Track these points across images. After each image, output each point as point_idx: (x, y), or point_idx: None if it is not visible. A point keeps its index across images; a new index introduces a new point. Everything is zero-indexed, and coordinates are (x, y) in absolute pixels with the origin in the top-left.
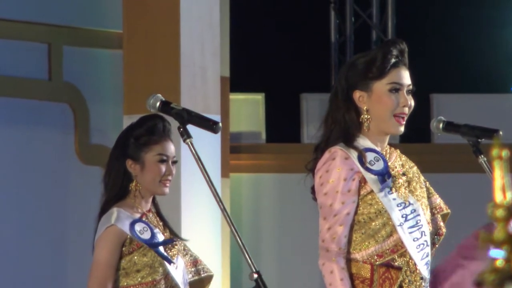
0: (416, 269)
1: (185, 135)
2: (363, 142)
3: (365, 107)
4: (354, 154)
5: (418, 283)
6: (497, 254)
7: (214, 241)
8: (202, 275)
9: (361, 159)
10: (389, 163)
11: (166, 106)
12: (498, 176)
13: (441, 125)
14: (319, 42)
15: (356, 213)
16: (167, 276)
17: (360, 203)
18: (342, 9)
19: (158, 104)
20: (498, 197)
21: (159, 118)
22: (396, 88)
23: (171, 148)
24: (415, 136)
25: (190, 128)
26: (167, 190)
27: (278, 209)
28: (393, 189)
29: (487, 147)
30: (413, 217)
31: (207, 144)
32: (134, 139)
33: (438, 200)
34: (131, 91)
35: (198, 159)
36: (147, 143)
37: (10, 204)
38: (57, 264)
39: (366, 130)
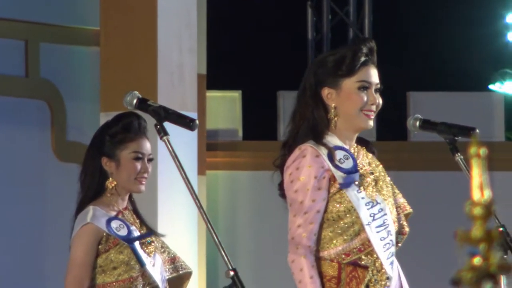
0: (382, 268)
1: (162, 132)
2: (332, 139)
3: (333, 104)
4: (324, 152)
5: (383, 282)
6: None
7: (190, 239)
8: (181, 272)
9: (331, 157)
10: (357, 161)
11: (143, 104)
12: (476, 174)
13: (417, 123)
14: (296, 39)
15: (325, 211)
16: (144, 273)
17: (329, 201)
18: (319, 6)
19: (135, 101)
20: (476, 195)
21: (134, 115)
22: (365, 86)
23: (146, 145)
24: (391, 134)
25: (167, 125)
26: (143, 187)
27: (254, 207)
28: (362, 188)
29: (463, 145)
30: (380, 216)
31: (184, 141)
32: (110, 137)
33: (401, 199)
34: (108, 88)
35: (175, 157)
36: (123, 140)
37: None
38: (34, 261)
39: (334, 128)
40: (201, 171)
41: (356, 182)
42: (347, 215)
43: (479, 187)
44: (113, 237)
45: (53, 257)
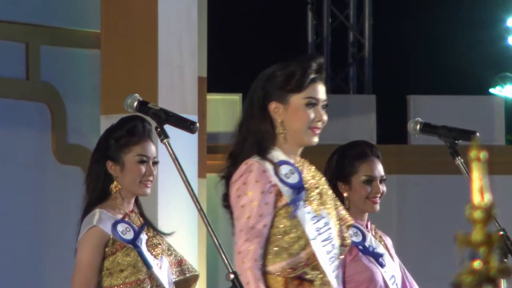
0: (329, 281)
1: (163, 135)
2: (277, 154)
3: (280, 119)
4: (269, 167)
5: None
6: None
7: (190, 241)
8: (188, 275)
9: (277, 172)
10: (302, 175)
11: (143, 106)
12: (477, 177)
13: (418, 127)
14: (296, 42)
15: (271, 226)
16: (151, 275)
17: (275, 215)
18: (319, 10)
19: (135, 104)
20: (476, 198)
21: (139, 119)
22: (312, 103)
23: (151, 148)
24: (392, 137)
25: (168, 128)
26: (148, 190)
27: None
28: (307, 203)
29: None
30: (325, 231)
31: (184, 144)
32: (114, 140)
33: (342, 211)
34: (108, 91)
35: (175, 159)
36: (127, 144)
37: None
38: (35, 263)
39: (280, 142)
40: (201, 173)
41: (303, 198)
42: (293, 230)
43: (479, 190)
44: (119, 240)
45: (53, 259)
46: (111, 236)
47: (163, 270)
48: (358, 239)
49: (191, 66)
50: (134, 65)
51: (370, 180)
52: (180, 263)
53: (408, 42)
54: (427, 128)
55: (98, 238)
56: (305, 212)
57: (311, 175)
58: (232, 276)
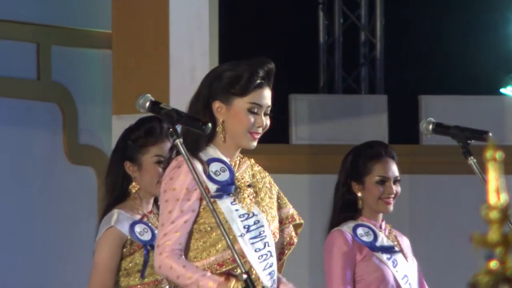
0: (258, 278)
1: (175, 135)
2: (213, 152)
3: (221, 119)
4: (199, 164)
5: None
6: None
7: None
8: None
9: (205, 170)
10: (236, 174)
11: (155, 106)
12: (493, 178)
13: (430, 127)
14: (308, 42)
15: (197, 222)
16: None
17: (202, 212)
18: (330, 10)
19: (147, 104)
20: (492, 199)
21: (156, 119)
22: (254, 109)
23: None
24: (403, 137)
25: (179, 128)
26: None
27: None
28: (237, 200)
29: (476, 148)
30: (255, 228)
31: None
32: (132, 141)
33: (291, 210)
34: (120, 91)
35: (188, 159)
36: (145, 144)
37: None
38: (47, 264)
39: (220, 141)
40: None
41: (231, 194)
42: (218, 227)
43: (495, 190)
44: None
45: (65, 260)
46: (128, 237)
47: None
48: (369, 238)
49: (202, 65)
50: (146, 65)
51: (383, 181)
52: None
53: (420, 42)
54: (439, 128)
55: (116, 238)
56: (233, 210)
57: (251, 173)
58: (245, 276)
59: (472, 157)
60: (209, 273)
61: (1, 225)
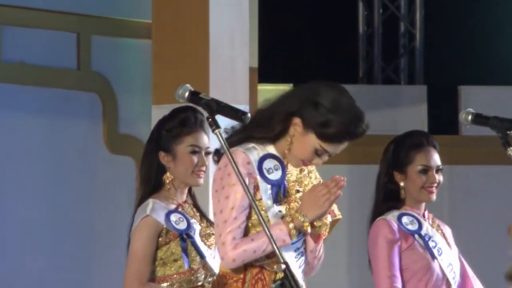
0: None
1: (214, 125)
2: (269, 149)
3: (292, 133)
4: (254, 159)
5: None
6: None
7: None
8: None
9: (261, 165)
10: (287, 173)
11: (195, 96)
12: None
13: (470, 117)
14: (347, 33)
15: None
16: (205, 265)
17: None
18: (370, 0)
19: (187, 94)
20: None
21: (191, 109)
22: (321, 153)
23: (203, 139)
24: (443, 128)
25: (219, 118)
26: (201, 181)
27: None
28: (283, 201)
29: None
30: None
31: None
32: (166, 131)
33: (332, 205)
34: (159, 81)
35: (227, 149)
36: (179, 134)
37: (38, 193)
38: (86, 253)
39: (285, 148)
40: None
41: (278, 197)
42: (260, 225)
43: None
44: (172, 230)
45: (104, 250)
46: (164, 226)
47: (217, 260)
48: (414, 227)
49: (242, 56)
50: (186, 56)
51: (426, 170)
52: None
53: (459, 33)
54: (478, 118)
55: (151, 227)
56: (276, 210)
57: (299, 169)
58: (283, 266)
59: (511, 148)
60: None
61: (41, 214)
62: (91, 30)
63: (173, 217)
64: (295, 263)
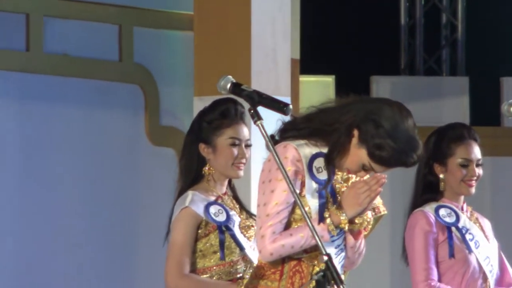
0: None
1: (256, 117)
2: (322, 148)
3: (350, 144)
4: (306, 155)
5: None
6: None
7: None
8: None
9: (311, 164)
10: (336, 173)
11: (236, 88)
12: None
13: None
14: (389, 25)
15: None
16: (244, 257)
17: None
18: None
19: (228, 86)
20: None
21: (231, 101)
22: (367, 168)
23: (244, 131)
24: (485, 119)
25: (261, 110)
26: (241, 173)
27: None
28: (329, 201)
29: None
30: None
31: (278, 126)
32: (207, 123)
33: (377, 201)
34: (201, 72)
35: (269, 141)
36: (219, 126)
37: (80, 184)
38: (127, 244)
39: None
40: None
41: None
42: (302, 220)
43: None
44: (212, 222)
45: (146, 241)
46: (203, 218)
47: (256, 252)
48: (451, 220)
49: (284, 48)
50: (227, 47)
51: (466, 163)
52: None
53: (502, 24)
54: None
55: (191, 219)
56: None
57: (348, 175)
58: (325, 257)
59: None
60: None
61: (82, 205)
62: (133, 22)
63: (212, 209)
64: (335, 259)
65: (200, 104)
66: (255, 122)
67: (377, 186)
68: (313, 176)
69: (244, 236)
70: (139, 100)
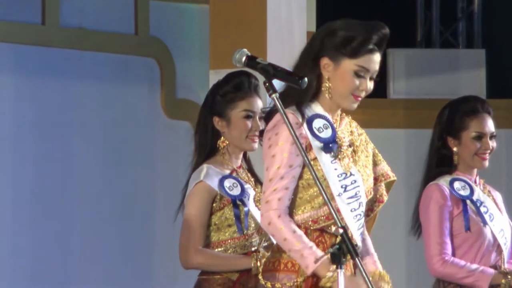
0: (352, 237)
1: (271, 89)
2: (315, 107)
3: (327, 76)
4: (305, 122)
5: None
6: None
7: None
8: None
9: (310, 125)
10: (338, 131)
11: (251, 61)
12: None
13: None
14: None
15: (300, 177)
16: (259, 230)
17: (303, 167)
18: None
19: (243, 59)
20: None
21: (245, 74)
22: (361, 72)
23: (257, 103)
24: (502, 92)
25: (276, 83)
26: (255, 145)
27: None
28: (337, 159)
29: None
30: (352, 188)
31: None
32: (221, 96)
33: (385, 167)
34: (217, 46)
35: (283, 114)
36: (233, 99)
37: (97, 157)
38: (144, 216)
39: (324, 97)
40: None
41: (332, 153)
42: (312, 184)
43: None
44: (226, 195)
45: (164, 213)
46: (218, 192)
47: None
48: (466, 193)
49: (300, 20)
50: (243, 20)
51: (480, 136)
52: None
53: None
54: None
55: (205, 193)
56: (332, 168)
57: (350, 131)
58: (341, 230)
59: None
60: (315, 247)
61: (99, 177)
62: None
63: (227, 183)
64: (354, 224)
65: (215, 77)
66: (270, 95)
67: None
68: (316, 136)
69: (259, 209)
70: (155, 73)
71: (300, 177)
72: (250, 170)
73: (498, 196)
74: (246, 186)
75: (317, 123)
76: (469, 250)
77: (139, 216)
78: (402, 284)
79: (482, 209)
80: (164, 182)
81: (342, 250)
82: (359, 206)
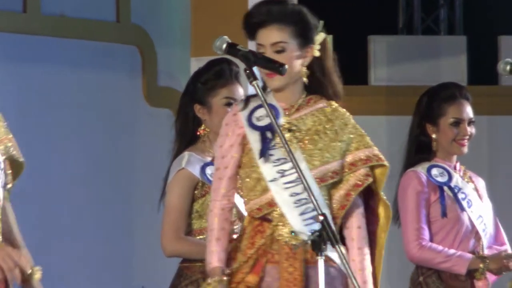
0: (288, 223)
1: (252, 77)
2: (269, 99)
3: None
4: (244, 110)
5: (287, 238)
6: None
7: None
8: None
9: (250, 116)
10: (289, 118)
11: (232, 48)
12: None
13: (508, 67)
14: None
15: (241, 166)
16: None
17: (243, 157)
18: None
19: (224, 46)
20: None
21: (226, 62)
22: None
23: (239, 91)
24: (482, 78)
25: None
26: None
27: None
28: (275, 145)
29: None
30: (293, 172)
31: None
32: (202, 84)
33: (366, 152)
34: (198, 33)
35: (264, 101)
36: (214, 87)
37: (77, 146)
38: (124, 205)
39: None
40: None
41: (267, 140)
42: (253, 173)
43: None
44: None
45: (143, 200)
46: (200, 179)
47: None
48: (443, 179)
49: None
50: (224, 7)
51: (458, 122)
52: None
53: None
54: None
55: (187, 180)
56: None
57: (312, 119)
58: (321, 217)
59: None
60: (222, 255)
61: (80, 166)
62: None
63: (209, 170)
64: (294, 209)
65: (197, 64)
66: (250, 82)
67: None
68: (253, 126)
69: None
70: (136, 61)
71: (242, 166)
72: None
73: (480, 182)
74: None
75: (258, 112)
76: (447, 236)
77: (120, 203)
78: (382, 272)
79: (460, 196)
80: (146, 169)
81: (322, 237)
82: (302, 190)
